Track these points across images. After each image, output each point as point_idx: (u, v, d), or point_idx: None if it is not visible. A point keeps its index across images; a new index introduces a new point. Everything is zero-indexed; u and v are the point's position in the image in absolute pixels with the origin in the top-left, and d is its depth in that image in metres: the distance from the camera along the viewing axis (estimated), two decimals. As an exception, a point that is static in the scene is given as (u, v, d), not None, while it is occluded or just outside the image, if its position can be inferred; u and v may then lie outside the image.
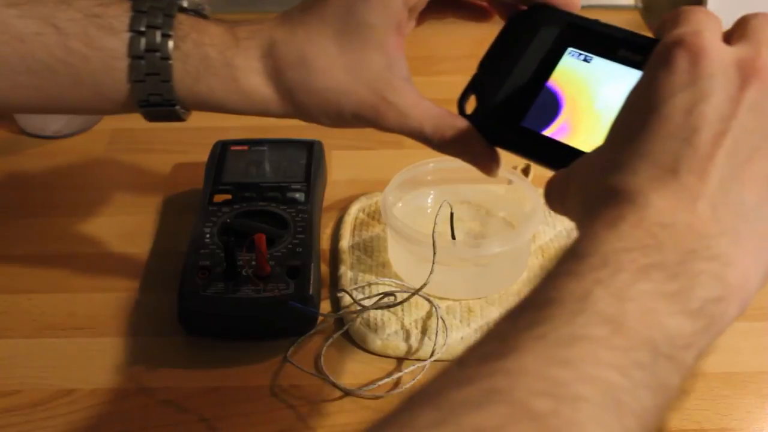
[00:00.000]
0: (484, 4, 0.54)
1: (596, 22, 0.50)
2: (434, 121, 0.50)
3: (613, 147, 0.38)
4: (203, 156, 0.76)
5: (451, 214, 0.65)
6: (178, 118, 0.52)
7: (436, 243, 0.58)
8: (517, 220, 0.69)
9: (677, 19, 0.39)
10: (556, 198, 0.43)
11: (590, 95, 0.48)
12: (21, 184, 0.81)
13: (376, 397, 0.58)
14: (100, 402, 0.58)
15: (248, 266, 0.62)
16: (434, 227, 0.58)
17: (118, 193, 0.80)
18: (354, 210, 0.75)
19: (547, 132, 0.48)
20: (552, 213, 0.73)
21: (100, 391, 0.59)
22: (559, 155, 0.47)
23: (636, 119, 0.37)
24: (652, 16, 1.18)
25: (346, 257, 0.70)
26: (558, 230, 0.73)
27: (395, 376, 0.60)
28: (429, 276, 0.58)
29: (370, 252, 0.70)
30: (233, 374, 0.60)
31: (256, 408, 0.58)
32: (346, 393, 0.58)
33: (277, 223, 0.68)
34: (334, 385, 0.59)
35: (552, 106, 0.49)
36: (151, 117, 0.52)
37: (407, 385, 0.59)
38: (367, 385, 0.58)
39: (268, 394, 0.59)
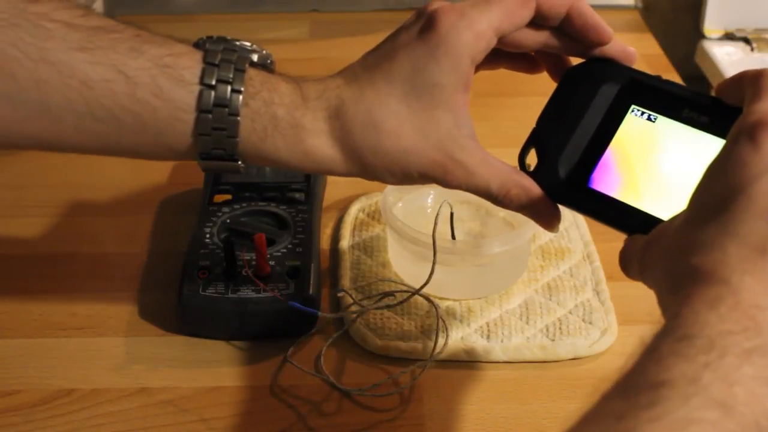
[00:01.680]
0: (534, 56, 0.54)
1: (658, 79, 0.49)
2: (500, 178, 0.50)
3: (697, 222, 0.38)
4: (203, 156, 0.76)
5: (451, 214, 0.65)
6: (236, 171, 0.51)
7: (436, 243, 0.58)
8: (517, 220, 0.69)
9: (761, 90, 0.39)
10: (635, 266, 0.43)
11: (656, 156, 0.48)
12: (21, 184, 0.81)
13: (376, 397, 0.58)
14: (100, 402, 0.58)
15: (248, 266, 0.62)
16: (434, 227, 0.58)
17: (117, 193, 0.80)
18: (354, 210, 0.75)
19: (613, 193, 0.48)
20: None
21: (100, 391, 0.59)
22: (627, 219, 0.47)
23: (721, 196, 0.37)
24: (652, 16, 1.18)
25: (346, 257, 0.70)
26: (558, 230, 0.72)
27: (395, 376, 0.60)
28: (429, 276, 0.58)
29: (370, 252, 0.70)
30: (233, 374, 0.60)
31: (256, 408, 0.58)
32: (346, 393, 0.58)
33: (277, 223, 0.68)
34: (334, 386, 0.59)
35: (617, 167, 0.49)
36: (209, 168, 0.51)
37: (407, 385, 0.59)
38: (367, 385, 0.59)
39: (268, 394, 0.59)
